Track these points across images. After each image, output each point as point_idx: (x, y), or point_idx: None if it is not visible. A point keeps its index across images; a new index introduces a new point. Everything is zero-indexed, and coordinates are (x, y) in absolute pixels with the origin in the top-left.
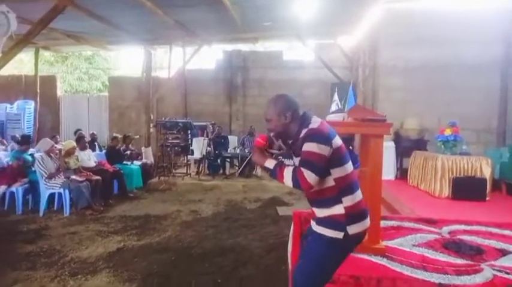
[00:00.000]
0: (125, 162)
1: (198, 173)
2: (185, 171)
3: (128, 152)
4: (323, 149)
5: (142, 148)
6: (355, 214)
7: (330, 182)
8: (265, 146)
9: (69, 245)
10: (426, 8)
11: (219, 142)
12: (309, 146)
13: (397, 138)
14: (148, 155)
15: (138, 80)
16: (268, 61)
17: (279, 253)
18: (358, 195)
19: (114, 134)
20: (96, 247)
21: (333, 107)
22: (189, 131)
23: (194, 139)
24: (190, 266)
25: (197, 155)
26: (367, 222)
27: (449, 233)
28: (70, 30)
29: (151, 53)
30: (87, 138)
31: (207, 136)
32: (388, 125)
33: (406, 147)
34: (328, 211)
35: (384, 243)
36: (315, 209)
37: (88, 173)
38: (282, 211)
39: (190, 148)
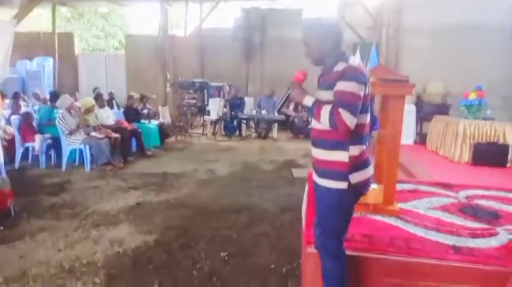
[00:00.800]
0: (142, 121)
1: (214, 133)
2: (201, 131)
3: (146, 111)
4: (361, 91)
5: (159, 107)
6: (357, 164)
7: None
8: (303, 81)
9: (91, 198)
10: None
11: (235, 103)
12: (349, 86)
13: (419, 103)
14: (165, 115)
15: (154, 39)
16: (288, 20)
17: (294, 213)
18: (363, 147)
19: (131, 93)
20: (117, 201)
21: None
22: (205, 92)
23: (210, 100)
24: (207, 221)
25: (213, 115)
26: (369, 170)
27: (467, 197)
28: None
29: (167, 9)
30: (106, 97)
31: (224, 97)
32: (410, 86)
33: (427, 112)
34: (332, 155)
35: (399, 205)
36: (318, 150)
37: (107, 130)
38: (297, 173)
39: (207, 108)
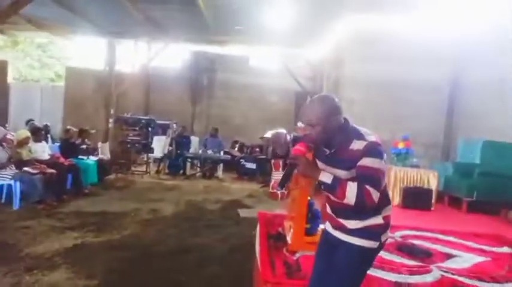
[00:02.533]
0: (80, 156)
1: (157, 172)
2: (144, 169)
3: (84, 146)
4: (384, 165)
5: (99, 143)
6: (388, 223)
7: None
8: (305, 154)
9: (22, 239)
10: (389, 28)
11: (181, 142)
12: (374, 162)
13: None
14: (105, 151)
15: (98, 73)
16: (235, 65)
17: (243, 253)
18: (391, 205)
19: (68, 127)
20: (52, 242)
21: None
22: (149, 129)
23: (155, 137)
24: (153, 264)
25: (158, 153)
26: (389, 230)
27: (402, 237)
28: (33, 15)
29: (115, 45)
30: None
31: (170, 135)
32: None
33: None
34: (366, 222)
35: None
36: (348, 221)
37: (42, 165)
38: (243, 213)
39: (151, 146)
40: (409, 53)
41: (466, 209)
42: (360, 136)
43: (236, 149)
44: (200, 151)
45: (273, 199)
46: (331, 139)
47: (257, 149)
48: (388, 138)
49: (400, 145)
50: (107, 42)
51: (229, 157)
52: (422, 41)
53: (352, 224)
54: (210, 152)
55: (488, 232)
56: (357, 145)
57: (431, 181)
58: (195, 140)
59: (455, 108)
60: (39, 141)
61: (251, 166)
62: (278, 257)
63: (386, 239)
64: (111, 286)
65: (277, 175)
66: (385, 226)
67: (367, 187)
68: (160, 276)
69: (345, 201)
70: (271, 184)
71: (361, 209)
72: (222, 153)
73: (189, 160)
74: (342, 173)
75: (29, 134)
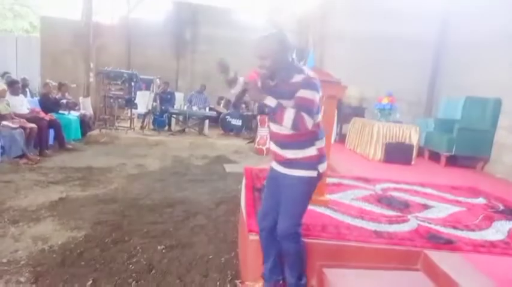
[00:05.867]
0: (61, 111)
1: (142, 127)
2: (129, 125)
3: (64, 101)
4: (318, 98)
5: (80, 98)
6: (322, 155)
7: (312, 126)
8: (257, 81)
9: (5, 193)
10: None
11: (165, 98)
12: (310, 94)
13: (339, 105)
14: (86, 106)
15: (75, 24)
16: (220, 17)
17: (228, 206)
18: (324, 140)
19: (47, 81)
20: (36, 196)
21: None
22: (132, 84)
23: (138, 93)
24: (140, 216)
25: (141, 109)
26: (327, 163)
27: (382, 190)
28: None
29: None
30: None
31: (153, 91)
32: (343, 87)
33: (346, 113)
34: (303, 153)
35: (327, 196)
36: (287, 151)
37: (21, 119)
38: (229, 167)
39: (135, 101)
40: (395, 8)
41: (445, 163)
42: (301, 71)
43: (222, 105)
44: (185, 107)
45: (258, 154)
46: (277, 72)
47: (243, 105)
48: (372, 94)
49: (384, 101)
50: None
51: (214, 113)
52: None
53: (290, 153)
54: (195, 108)
55: (465, 185)
56: (296, 79)
57: (413, 136)
58: (179, 96)
59: (441, 66)
60: (17, 94)
61: (237, 122)
62: None
63: (325, 171)
64: (98, 236)
65: (263, 131)
66: (320, 157)
67: (302, 113)
68: (148, 227)
69: (283, 124)
70: (257, 139)
71: (297, 137)
72: (207, 109)
73: (174, 116)
74: (285, 103)
75: (5, 86)
